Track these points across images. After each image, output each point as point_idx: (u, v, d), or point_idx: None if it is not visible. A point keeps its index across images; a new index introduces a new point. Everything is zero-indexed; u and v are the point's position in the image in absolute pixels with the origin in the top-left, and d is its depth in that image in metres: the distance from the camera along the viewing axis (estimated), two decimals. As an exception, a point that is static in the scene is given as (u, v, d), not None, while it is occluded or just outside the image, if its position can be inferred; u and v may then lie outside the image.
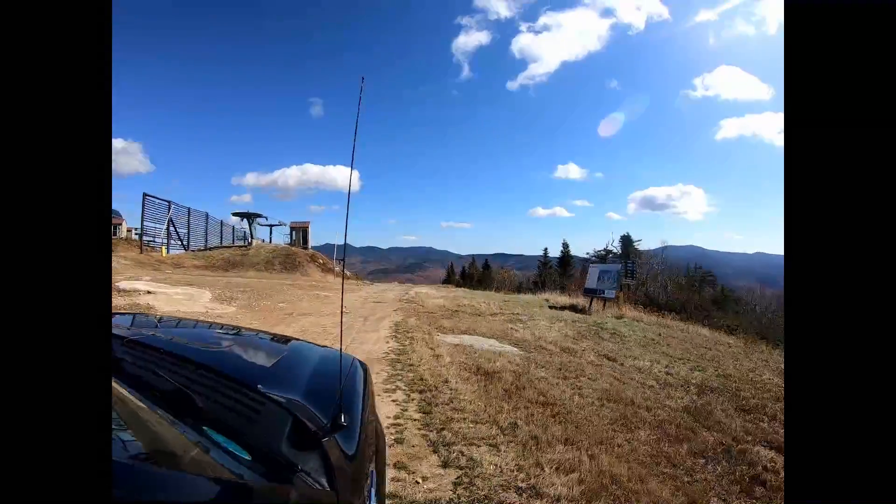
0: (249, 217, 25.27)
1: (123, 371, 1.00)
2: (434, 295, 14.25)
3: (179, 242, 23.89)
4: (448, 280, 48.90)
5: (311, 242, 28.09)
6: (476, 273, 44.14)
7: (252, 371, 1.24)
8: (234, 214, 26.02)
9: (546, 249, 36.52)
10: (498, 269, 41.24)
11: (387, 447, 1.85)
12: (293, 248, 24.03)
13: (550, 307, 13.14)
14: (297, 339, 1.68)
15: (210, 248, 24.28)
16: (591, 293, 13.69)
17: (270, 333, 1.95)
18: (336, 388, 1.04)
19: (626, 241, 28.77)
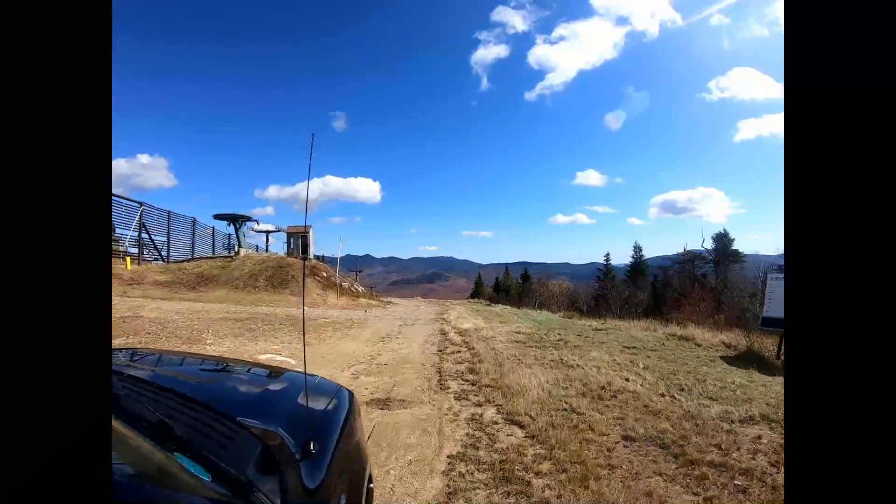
0: (235, 220, 19.89)
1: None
2: (490, 332, 8.23)
3: (157, 252, 19.08)
4: (477, 293, 42.49)
5: (328, 253, 22.74)
6: (512, 285, 37.49)
7: (236, 402, 1.29)
8: (217, 217, 20.46)
9: (608, 255, 28.87)
10: (539, 280, 34.22)
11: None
12: (288, 259, 18.50)
13: (723, 358, 6.82)
14: (288, 370, 1.78)
15: (192, 260, 19.30)
16: (780, 326, 7.33)
17: (259, 363, 2.01)
18: (317, 416, 1.26)
19: (723, 240, 21.70)
